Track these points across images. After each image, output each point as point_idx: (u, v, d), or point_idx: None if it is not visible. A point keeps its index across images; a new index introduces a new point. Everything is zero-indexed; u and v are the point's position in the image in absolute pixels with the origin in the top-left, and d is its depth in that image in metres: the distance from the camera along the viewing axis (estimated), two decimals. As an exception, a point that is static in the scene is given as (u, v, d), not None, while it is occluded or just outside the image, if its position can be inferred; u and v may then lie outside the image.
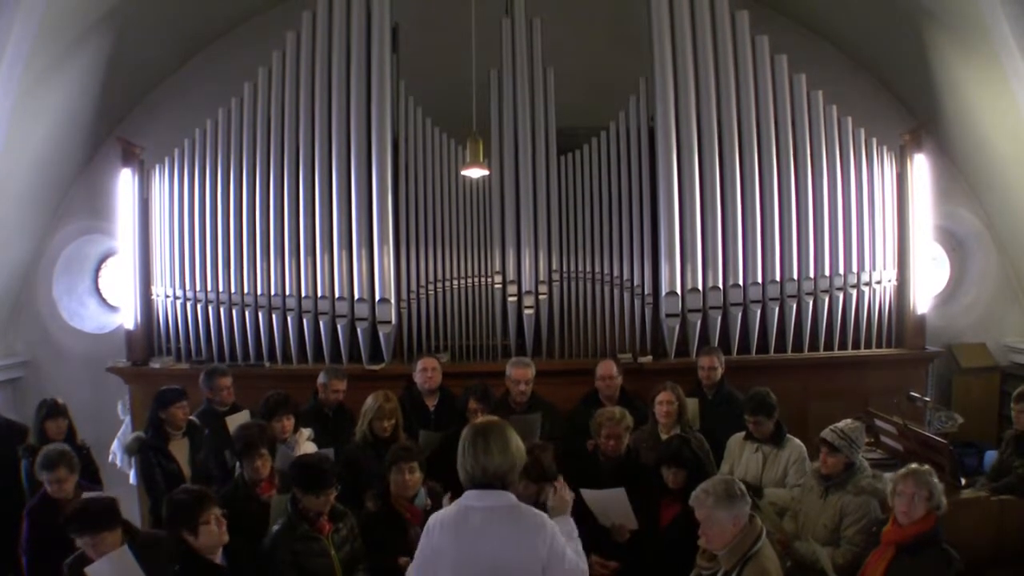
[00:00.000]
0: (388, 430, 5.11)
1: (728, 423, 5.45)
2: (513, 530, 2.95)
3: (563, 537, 3.13)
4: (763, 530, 3.55)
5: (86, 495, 4.16)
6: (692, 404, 5.98)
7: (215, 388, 5.81)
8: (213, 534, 3.61)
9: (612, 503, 4.50)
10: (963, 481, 5.19)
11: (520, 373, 5.81)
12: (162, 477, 5.15)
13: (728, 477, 3.69)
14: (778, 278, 7.03)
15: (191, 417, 5.52)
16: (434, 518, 3.09)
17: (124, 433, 7.19)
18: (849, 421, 4.62)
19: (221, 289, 7.17)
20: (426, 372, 5.92)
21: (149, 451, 5.27)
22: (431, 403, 5.94)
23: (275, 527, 4.02)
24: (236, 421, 5.30)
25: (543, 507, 4.18)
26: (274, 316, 7.10)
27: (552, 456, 4.40)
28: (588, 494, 4.49)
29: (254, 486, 4.45)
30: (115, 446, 7.21)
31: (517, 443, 3.08)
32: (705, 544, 3.62)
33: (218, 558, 3.67)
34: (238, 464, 4.62)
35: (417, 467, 4.37)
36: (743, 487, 3.57)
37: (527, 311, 6.99)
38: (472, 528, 2.95)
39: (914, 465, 3.95)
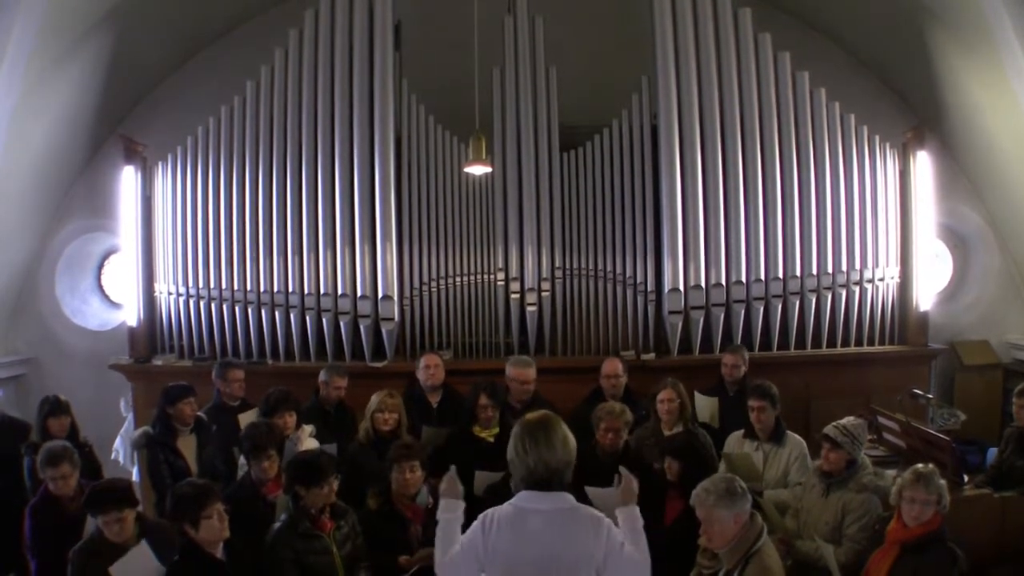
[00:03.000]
0: (389, 423, 5.12)
1: (747, 421, 5.42)
2: (572, 532, 2.92)
3: (626, 529, 3.10)
4: (764, 528, 3.54)
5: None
6: (711, 403, 5.99)
7: (227, 380, 5.84)
8: (214, 529, 3.63)
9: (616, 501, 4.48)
10: (966, 479, 5.19)
11: (524, 373, 5.80)
12: (169, 473, 5.15)
13: (729, 475, 3.68)
14: (781, 275, 7.03)
15: (199, 413, 5.53)
16: (491, 515, 3.02)
17: (126, 430, 7.20)
18: (852, 418, 4.61)
19: (224, 286, 7.17)
20: (428, 369, 5.93)
21: (156, 447, 5.27)
22: (434, 400, 5.94)
23: (276, 525, 4.03)
24: (248, 419, 5.30)
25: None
26: (277, 313, 7.11)
27: None
28: (592, 492, 4.48)
29: (260, 485, 4.45)
30: (117, 443, 7.22)
31: (572, 439, 3.04)
32: (706, 543, 3.61)
33: (218, 552, 3.69)
34: (244, 462, 4.63)
35: (418, 466, 4.38)
36: (744, 485, 3.56)
37: (530, 308, 6.99)
38: (532, 531, 2.91)
39: (920, 467, 3.92)
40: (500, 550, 2.94)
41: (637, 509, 3.23)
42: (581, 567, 2.91)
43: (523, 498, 2.98)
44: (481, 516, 3.05)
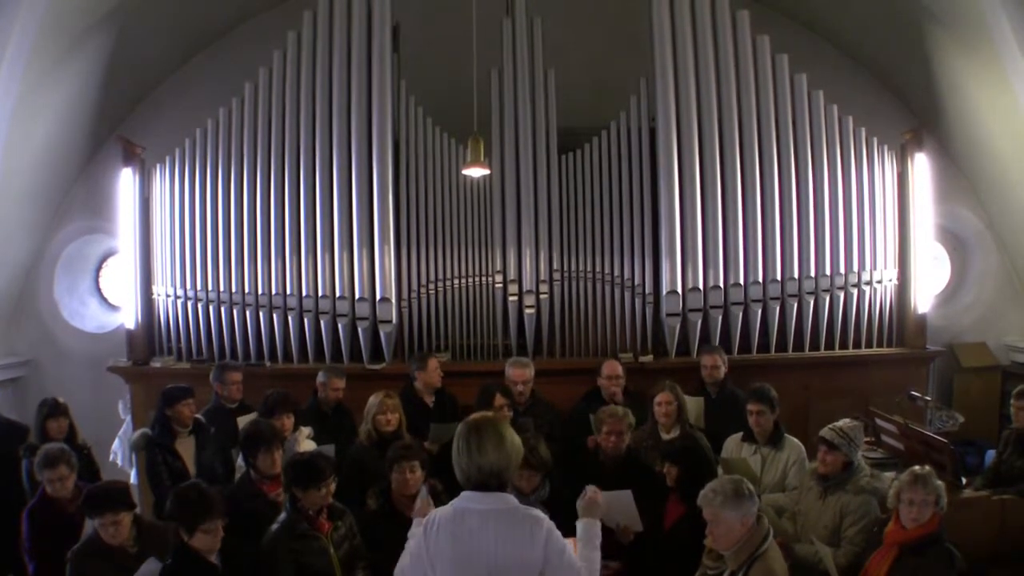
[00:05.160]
0: (392, 423, 5.15)
1: (732, 422, 5.44)
2: (510, 532, 2.90)
3: (582, 539, 3.16)
4: (770, 530, 3.54)
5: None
6: (696, 403, 5.99)
7: (225, 382, 5.84)
8: (207, 541, 3.62)
9: (618, 504, 4.48)
10: (964, 480, 5.19)
11: (519, 373, 5.84)
12: (167, 475, 5.15)
13: (736, 477, 3.67)
14: (779, 277, 7.03)
15: (197, 415, 5.53)
16: (431, 517, 3.03)
17: (125, 432, 7.20)
18: (848, 420, 4.62)
19: (222, 288, 7.17)
20: (437, 371, 5.97)
21: (155, 448, 5.27)
22: (429, 401, 5.98)
23: (274, 526, 4.02)
24: (247, 422, 5.30)
25: (544, 501, 4.23)
26: (275, 315, 7.10)
27: (546, 446, 4.45)
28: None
29: (260, 483, 4.44)
30: (115, 445, 7.23)
31: (513, 439, 3.01)
32: (712, 543, 3.61)
33: (212, 556, 3.67)
34: (242, 462, 4.62)
35: (418, 466, 4.39)
36: (751, 487, 3.56)
37: (528, 310, 6.98)
38: (469, 530, 2.90)
39: (916, 468, 3.93)
40: (441, 550, 2.94)
41: (598, 524, 3.27)
42: (517, 567, 2.89)
43: (463, 498, 2.99)
44: (425, 519, 3.06)
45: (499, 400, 5.41)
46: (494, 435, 2.97)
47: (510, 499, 2.99)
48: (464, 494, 2.99)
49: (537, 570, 2.90)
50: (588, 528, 3.24)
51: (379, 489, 4.49)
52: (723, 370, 6.12)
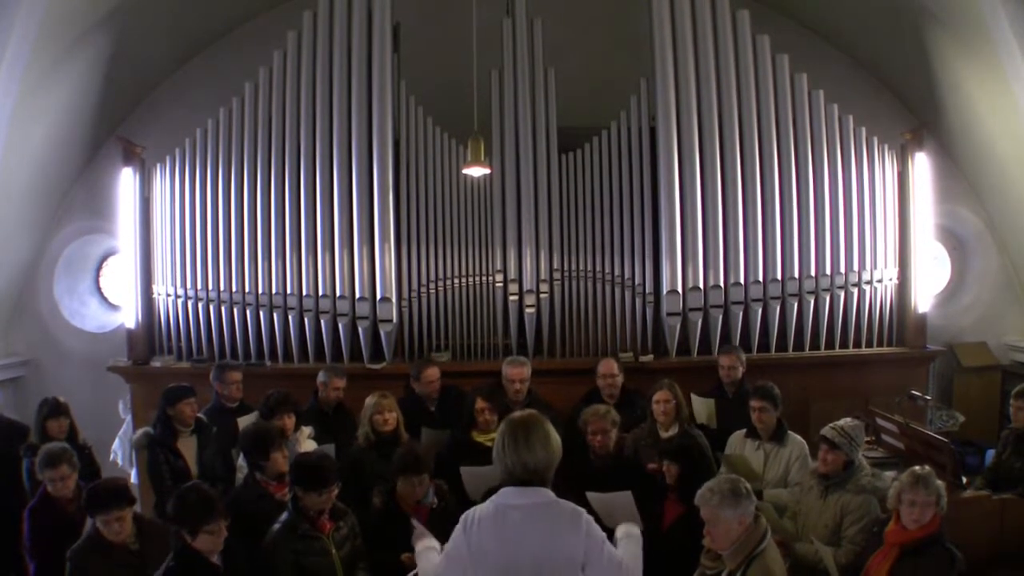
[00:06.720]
0: (390, 422, 5.13)
1: (747, 422, 5.43)
2: (552, 527, 2.92)
3: (626, 539, 3.25)
4: (768, 531, 3.53)
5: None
6: (708, 404, 6.00)
7: (225, 382, 5.84)
8: (210, 542, 3.60)
9: (618, 506, 4.48)
10: (964, 480, 5.19)
11: (515, 372, 5.82)
12: (169, 474, 5.15)
13: (734, 476, 3.67)
14: (779, 277, 7.03)
15: (199, 415, 5.52)
16: (471, 515, 3.03)
17: (125, 432, 7.21)
18: (849, 419, 4.62)
19: (222, 288, 7.17)
20: (433, 383, 5.94)
21: (157, 447, 5.27)
22: (432, 405, 5.97)
23: (275, 526, 4.01)
24: (248, 422, 5.29)
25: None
26: (275, 315, 7.11)
27: None
28: (593, 497, 4.48)
29: (266, 484, 4.43)
30: (116, 445, 7.23)
31: (556, 437, 3.03)
32: (710, 543, 3.61)
33: (214, 557, 3.66)
34: (243, 463, 4.62)
35: (427, 478, 4.38)
36: (748, 486, 3.55)
37: (528, 310, 6.98)
38: (512, 527, 2.91)
39: (917, 469, 3.92)
40: (484, 548, 2.94)
41: (637, 529, 3.40)
42: (563, 561, 2.91)
43: (503, 495, 2.99)
44: (463, 518, 3.05)
45: (480, 404, 5.32)
46: (542, 432, 2.99)
47: (549, 493, 2.99)
48: (503, 491, 3.00)
49: (580, 562, 2.92)
50: (628, 530, 3.35)
51: (385, 488, 4.49)
52: (741, 370, 6.10)
